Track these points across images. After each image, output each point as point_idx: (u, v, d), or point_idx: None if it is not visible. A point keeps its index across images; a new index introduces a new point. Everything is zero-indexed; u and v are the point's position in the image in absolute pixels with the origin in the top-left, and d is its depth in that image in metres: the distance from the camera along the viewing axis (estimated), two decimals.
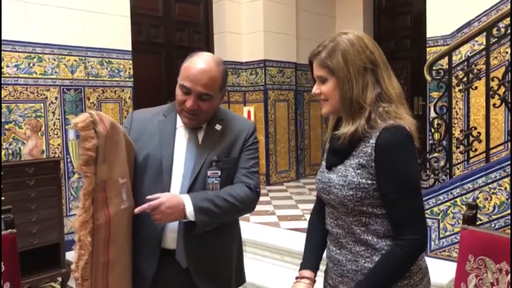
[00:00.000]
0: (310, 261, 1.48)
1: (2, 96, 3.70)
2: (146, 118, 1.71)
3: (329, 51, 1.30)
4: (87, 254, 1.40)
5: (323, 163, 1.43)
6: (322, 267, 1.49)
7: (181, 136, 1.67)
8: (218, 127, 1.67)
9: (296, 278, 1.45)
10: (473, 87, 3.31)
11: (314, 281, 1.44)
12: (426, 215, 2.98)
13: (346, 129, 1.29)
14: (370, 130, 1.26)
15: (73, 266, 1.42)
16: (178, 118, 1.68)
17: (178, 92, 1.59)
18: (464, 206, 2.82)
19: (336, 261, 1.38)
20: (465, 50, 3.66)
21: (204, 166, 1.61)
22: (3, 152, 3.65)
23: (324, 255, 1.48)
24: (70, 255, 3.86)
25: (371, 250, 1.30)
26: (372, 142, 1.26)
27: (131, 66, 4.57)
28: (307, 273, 1.44)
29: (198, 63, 1.56)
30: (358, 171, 1.27)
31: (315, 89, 1.36)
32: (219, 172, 1.61)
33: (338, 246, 1.38)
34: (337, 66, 1.28)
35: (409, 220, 1.25)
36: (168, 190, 1.60)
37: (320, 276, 1.49)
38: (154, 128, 1.66)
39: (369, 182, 1.26)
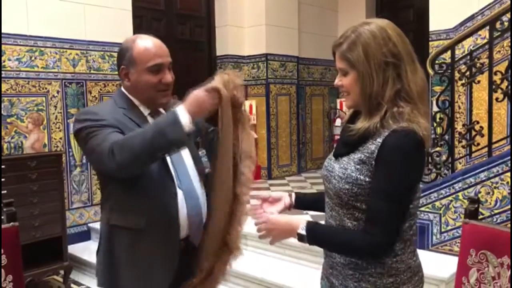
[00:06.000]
0: (304, 194, 1.61)
1: (4, 89, 3.70)
2: (110, 113, 1.59)
3: (350, 43, 1.26)
4: None
5: (334, 151, 1.42)
6: (321, 260, 1.50)
7: None
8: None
9: None
10: (476, 81, 3.30)
11: (291, 204, 1.57)
12: (428, 209, 3.01)
13: (361, 125, 1.26)
14: (381, 129, 1.24)
15: None
16: (142, 107, 1.65)
17: (147, 77, 1.58)
18: (466, 201, 2.82)
19: (328, 253, 1.40)
20: (468, 44, 3.64)
21: (193, 150, 1.69)
22: (5, 146, 3.65)
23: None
24: (72, 249, 3.88)
25: None
26: (378, 141, 1.23)
27: None
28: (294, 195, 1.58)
29: (149, 40, 1.62)
30: (358, 166, 1.26)
31: (337, 81, 1.33)
32: (205, 151, 1.70)
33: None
34: (357, 60, 1.25)
35: (379, 221, 1.23)
36: (170, 171, 1.61)
37: (319, 269, 1.49)
38: (127, 121, 1.59)
39: (367, 179, 1.25)
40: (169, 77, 1.61)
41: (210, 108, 1.40)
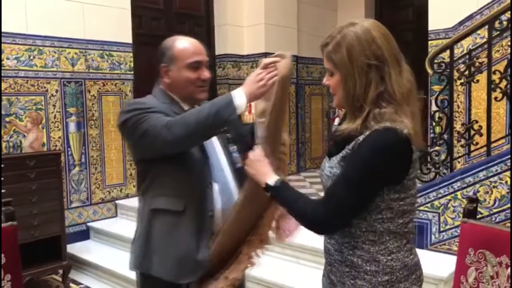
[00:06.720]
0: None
1: (3, 88, 3.70)
2: (156, 104, 1.67)
3: (335, 44, 1.26)
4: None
5: (327, 151, 1.44)
6: (322, 260, 1.50)
7: None
8: None
9: None
10: (475, 80, 3.29)
11: None
12: (427, 209, 3.01)
13: (346, 126, 1.28)
14: (365, 130, 1.24)
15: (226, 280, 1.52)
16: (182, 103, 1.73)
17: (187, 73, 1.67)
18: (464, 200, 2.82)
19: (327, 250, 1.40)
20: (467, 43, 3.64)
21: (224, 144, 1.75)
22: (4, 145, 3.65)
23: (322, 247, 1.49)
24: (71, 248, 3.87)
25: (353, 242, 1.30)
26: (359, 139, 1.24)
27: (131, 59, 4.56)
28: None
29: (188, 41, 1.72)
30: (342, 163, 1.28)
31: (325, 80, 1.35)
32: (235, 147, 1.77)
33: (328, 235, 1.40)
34: (341, 61, 1.25)
35: (331, 201, 1.25)
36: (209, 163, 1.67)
37: (318, 269, 1.49)
38: (172, 113, 1.66)
39: None
40: (207, 73, 1.71)
41: (269, 84, 1.46)
